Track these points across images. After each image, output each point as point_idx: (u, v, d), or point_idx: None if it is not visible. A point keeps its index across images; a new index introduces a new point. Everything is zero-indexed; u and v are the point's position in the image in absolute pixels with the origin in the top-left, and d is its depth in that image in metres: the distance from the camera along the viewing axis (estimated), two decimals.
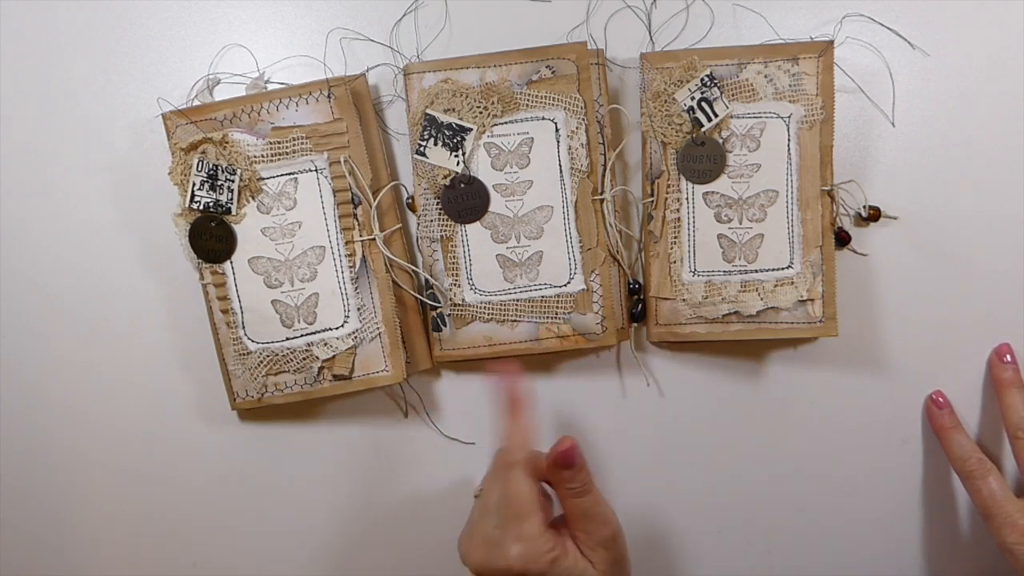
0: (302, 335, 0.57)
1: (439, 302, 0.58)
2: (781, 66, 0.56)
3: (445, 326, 0.59)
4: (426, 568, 0.63)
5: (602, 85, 0.57)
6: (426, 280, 0.59)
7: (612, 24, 0.59)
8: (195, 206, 0.56)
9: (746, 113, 0.56)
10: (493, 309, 0.58)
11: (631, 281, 0.59)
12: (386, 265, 0.58)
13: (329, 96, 0.56)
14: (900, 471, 0.62)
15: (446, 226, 0.58)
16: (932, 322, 0.60)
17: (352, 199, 0.57)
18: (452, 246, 0.58)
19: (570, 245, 0.57)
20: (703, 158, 0.57)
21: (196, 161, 0.56)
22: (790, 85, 0.56)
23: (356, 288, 0.57)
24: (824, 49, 0.56)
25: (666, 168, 0.58)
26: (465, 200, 0.57)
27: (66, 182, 0.61)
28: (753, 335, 0.57)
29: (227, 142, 0.56)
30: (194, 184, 0.56)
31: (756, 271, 0.57)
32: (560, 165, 0.57)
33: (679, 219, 0.58)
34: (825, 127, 0.56)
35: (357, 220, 0.57)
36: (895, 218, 0.59)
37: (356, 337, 0.57)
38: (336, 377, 0.58)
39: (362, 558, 0.63)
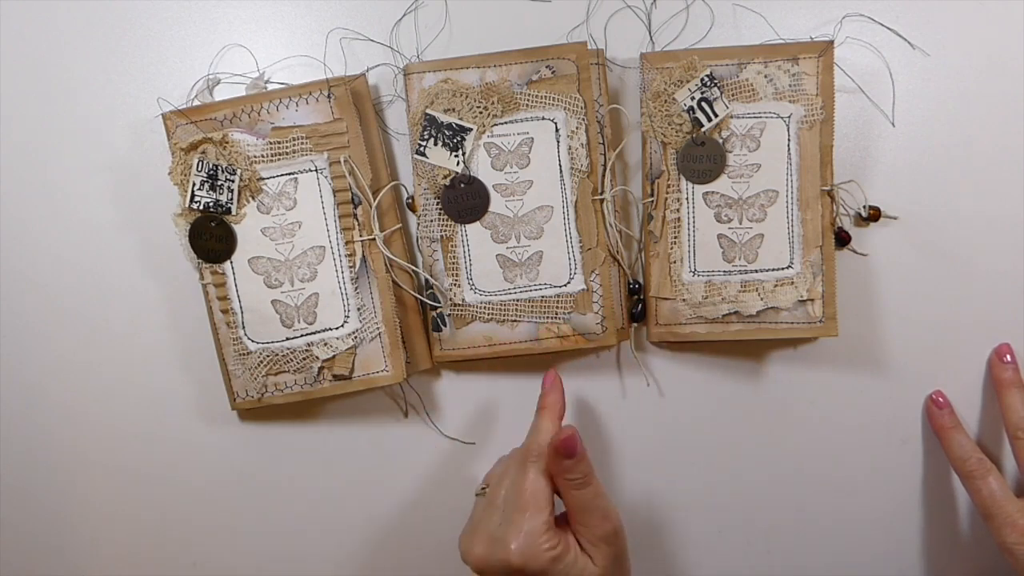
0: (302, 335, 0.57)
1: (439, 302, 0.58)
2: (781, 66, 0.56)
3: (445, 326, 0.59)
4: (426, 568, 0.63)
5: (602, 85, 0.57)
6: (426, 280, 0.59)
7: (612, 24, 0.59)
8: (195, 206, 0.56)
9: (746, 113, 0.56)
10: (493, 309, 0.58)
11: (631, 281, 0.59)
12: (386, 265, 0.58)
13: (329, 96, 0.56)
14: (900, 471, 0.62)
15: (446, 226, 0.58)
16: (932, 322, 0.60)
17: (352, 199, 0.57)
18: (452, 246, 0.58)
19: (570, 245, 0.57)
20: (703, 158, 0.57)
21: (196, 161, 0.56)
22: (790, 85, 0.56)
23: (356, 288, 0.57)
24: (824, 49, 0.56)
25: (666, 168, 0.58)
26: (465, 200, 0.57)
27: (66, 182, 0.61)
28: (753, 335, 0.57)
29: (227, 142, 0.56)
30: (194, 184, 0.56)
31: (756, 271, 0.57)
32: (560, 165, 0.57)
33: (679, 219, 0.58)
34: (825, 127, 0.56)
35: (357, 220, 0.57)
36: (895, 218, 0.59)
37: (356, 337, 0.57)
38: (336, 377, 0.58)
39: (362, 558, 0.63)
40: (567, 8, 0.59)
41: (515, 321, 0.58)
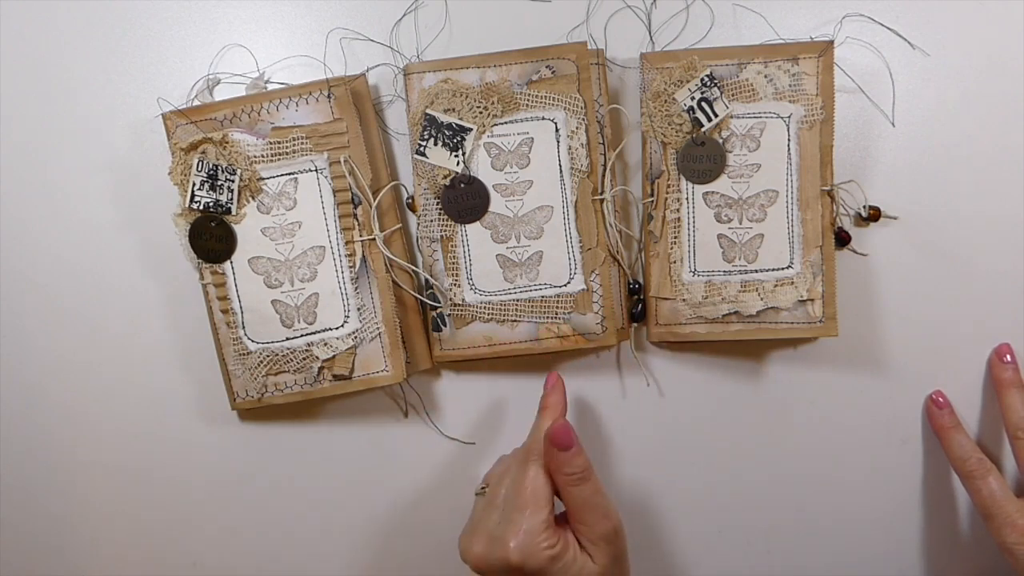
0: (302, 335, 0.57)
1: (439, 302, 0.58)
2: (781, 66, 0.56)
3: (445, 326, 0.59)
4: (426, 568, 0.63)
5: (602, 85, 0.57)
6: (426, 280, 0.59)
7: (612, 24, 0.59)
8: (195, 206, 0.56)
9: (746, 113, 0.56)
10: (493, 309, 0.58)
11: (631, 281, 0.59)
12: (386, 265, 0.58)
13: (329, 96, 0.56)
14: (900, 471, 0.62)
15: (446, 226, 0.58)
16: (932, 322, 0.60)
17: (352, 199, 0.57)
18: (452, 246, 0.58)
19: (570, 245, 0.57)
20: (703, 158, 0.57)
21: (196, 161, 0.56)
22: (790, 85, 0.56)
23: (356, 288, 0.57)
24: (824, 49, 0.56)
25: (666, 168, 0.58)
26: (465, 200, 0.57)
27: (66, 182, 0.61)
28: (753, 335, 0.57)
29: (227, 142, 0.56)
30: (194, 184, 0.56)
31: (756, 271, 0.57)
32: (560, 165, 0.57)
33: (679, 219, 0.58)
34: (825, 127, 0.56)
35: (357, 220, 0.57)
36: (895, 218, 0.59)
37: (356, 337, 0.57)
38: (336, 377, 0.58)
39: (362, 558, 0.63)
40: (567, 8, 0.59)
41: (515, 321, 0.58)
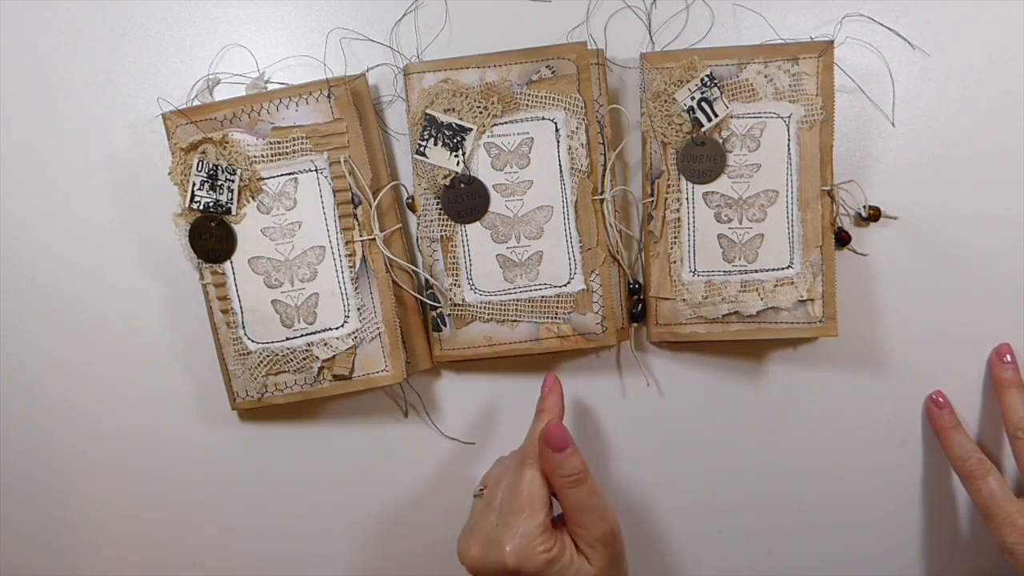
0: (302, 335, 0.57)
1: (439, 302, 0.58)
2: (781, 66, 0.56)
3: (445, 326, 0.59)
4: (426, 568, 0.63)
5: (602, 85, 0.57)
6: (426, 280, 0.59)
7: (612, 24, 0.59)
8: (195, 206, 0.56)
9: (746, 113, 0.56)
10: (493, 309, 0.58)
11: (631, 281, 0.59)
12: (386, 265, 0.58)
13: (329, 96, 0.56)
14: (900, 471, 0.62)
15: (446, 226, 0.58)
16: (932, 322, 0.60)
17: (352, 199, 0.57)
18: (452, 246, 0.58)
19: (570, 245, 0.57)
20: (703, 158, 0.57)
21: (196, 161, 0.56)
22: (790, 85, 0.56)
23: (356, 288, 0.57)
24: (824, 49, 0.56)
25: (666, 168, 0.58)
26: (465, 200, 0.57)
27: (66, 182, 0.61)
28: (753, 335, 0.57)
29: (227, 142, 0.56)
30: (194, 184, 0.56)
31: (756, 271, 0.57)
32: (560, 165, 0.57)
33: (679, 219, 0.58)
34: (825, 127, 0.56)
35: (357, 220, 0.57)
36: (895, 218, 0.59)
37: (356, 337, 0.57)
38: (336, 377, 0.58)
39: (362, 558, 0.63)
40: (567, 8, 0.59)
41: (515, 321, 0.58)
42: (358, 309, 0.57)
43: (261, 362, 0.58)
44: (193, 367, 0.62)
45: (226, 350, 0.58)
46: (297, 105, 0.56)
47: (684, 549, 0.63)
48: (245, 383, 0.58)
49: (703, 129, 0.56)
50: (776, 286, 0.57)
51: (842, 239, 0.58)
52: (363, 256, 0.57)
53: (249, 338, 0.58)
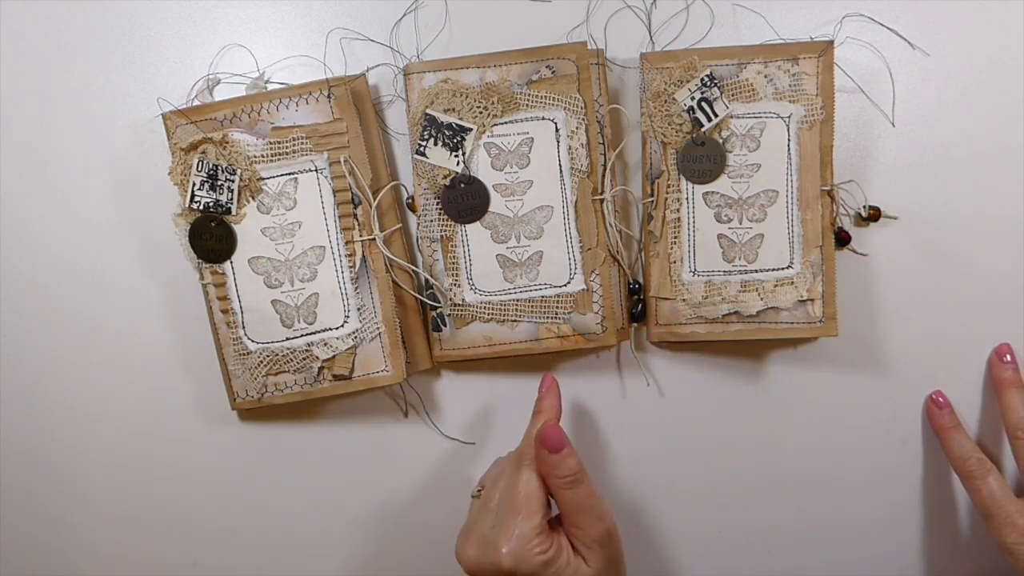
0: (302, 335, 0.57)
1: (439, 302, 0.58)
2: (781, 66, 0.56)
3: (445, 326, 0.59)
4: (425, 568, 0.63)
5: (602, 85, 0.57)
6: (426, 280, 0.59)
7: (612, 24, 0.59)
8: (195, 206, 0.56)
9: (746, 113, 0.56)
10: (493, 309, 0.58)
11: (631, 281, 0.59)
12: (386, 265, 0.58)
13: (329, 96, 0.56)
14: (900, 471, 0.62)
15: (446, 226, 0.58)
16: (932, 322, 0.60)
17: (352, 199, 0.57)
18: (452, 246, 0.58)
19: (570, 245, 0.57)
20: (703, 158, 0.57)
21: (196, 161, 0.56)
22: (790, 85, 0.56)
23: (356, 288, 0.57)
24: (824, 49, 0.56)
25: (666, 168, 0.58)
26: (465, 200, 0.57)
27: (66, 182, 0.61)
28: (753, 335, 0.57)
29: (227, 142, 0.56)
30: (194, 184, 0.56)
31: (756, 271, 0.57)
32: (560, 165, 0.57)
33: (679, 219, 0.58)
34: (825, 127, 0.56)
35: (357, 220, 0.57)
36: (895, 218, 0.59)
37: (356, 337, 0.57)
38: (336, 377, 0.58)
39: (362, 558, 0.63)
40: (567, 8, 0.59)
41: (515, 321, 0.58)
42: (358, 309, 0.57)
43: (261, 362, 0.58)
44: (193, 367, 0.62)
45: (226, 350, 0.58)
46: (297, 105, 0.56)
47: (684, 549, 0.63)
48: (245, 383, 0.58)
49: (703, 129, 0.56)
50: (776, 286, 0.57)
51: (842, 239, 0.58)
52: (363, 256, 0.57)
53: (249, 338, 0.58)
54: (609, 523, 0.51)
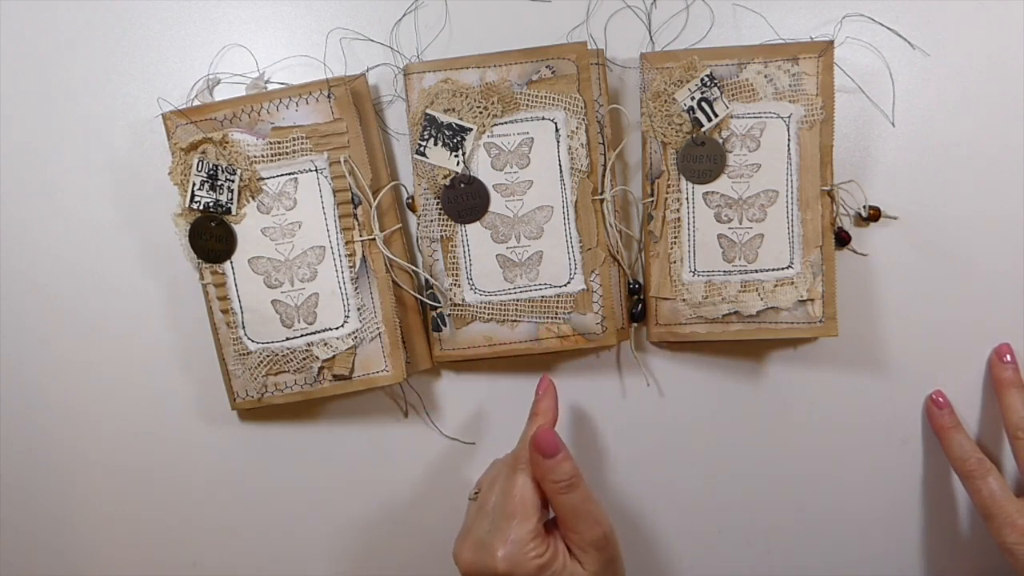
0: (302, 335, 0.57)
1: (439, 302, 0.58)
2: (781, 66, 0.56)
3: (445, 326, 0.59)
4: (425, 568, 0.63)
5: (602, 85, 0.57)
6: (426, 280, 0.59)
7: (612, 24, 0.59)
8: (195, 206, 0.56)
9: (746, 113, 0.56)
10: (493, 309, 0.58)
11: (631, 281, 0.59)
12: (386, 265, 0.58)
13: (329, 96, 0.56)
14: (900, 471, 0.62)
15: (446, 226, 0.58)
16: (932, 322, 0.60)
17: (352, 199, 0.57)
18: (452, 246, 0.58)
19: (570, 245, 0.57)
20: (703, 158, 0.57)
21: (196, 161, 0.56)
22: (790, 85, 0.56)
23: (356, 288, 0.57)
24: (824, 49, 0.56)
25: (666, 168, 0.58)
26: (465, 200, 0.57)
27: (66, 182, 0.61)
28: (753, 335, 0.57)
29: (227, 142, 0.56)
30: (194, 184, 0.56)
31: (756, 271, 0.57)
32: (560, 165, 0.57)
33: (679, 219, 0.58)
34: (825, 127, 0.56)
35: (357, 220, 0.57)
36: (895, 218, 0.59)
37: (356, 337, 0.57)
38: (336, 377, 0.58)
39: (361, 558, 0.63)
40: (567, 8, 0.59)
41: (515, 321, 0.58)
42: (358, 309, 0.57)
43: (261, 362, 0.58)
44: (193, 367, 0.62)
45: (226, 350, 0.58)
46: (297, 105, 0.56)
47: (684, 549, 0.63)
48: (245, 383, 0.58)
49: (703, 129, 0.56)
50: (776, 286, 0.57)
51: (842, 239, 0.58)
52: (363, 256, 0.57)
53: (249, 338, 0.58)
54: (606, 526, 0.51)
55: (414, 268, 0.59)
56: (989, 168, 0.59)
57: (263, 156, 0.56)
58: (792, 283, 0.57)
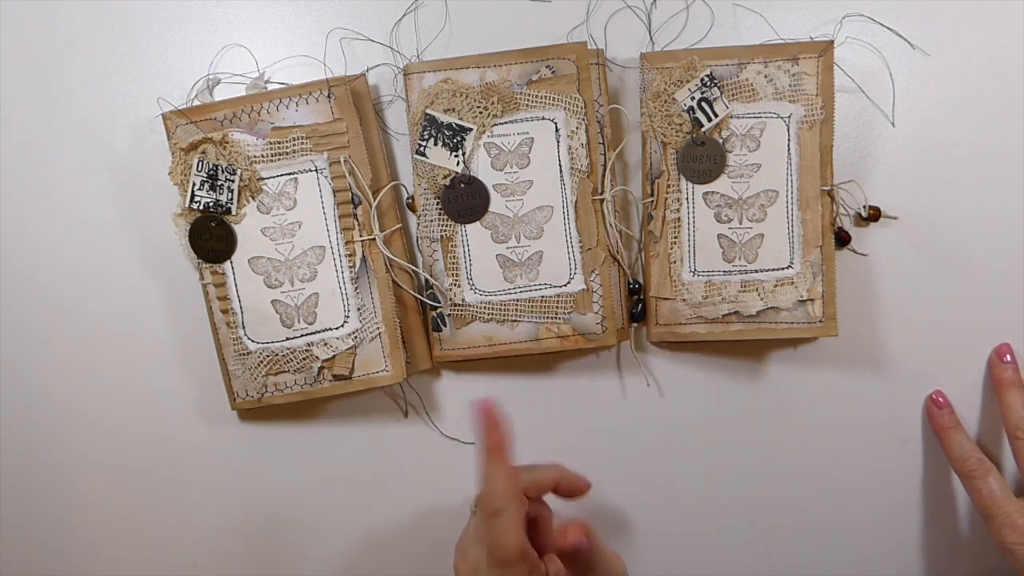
0: (302, 335, 0.57)
1: (439, 302, 0.58)
2: (781, 66, 0.56)
3: (445, 326, 0.59)
4: (425, 568, 0.63)
5: (602, 85, 0.57)
6: (426, 280, 0.59)
7: (612, 24, 0.59)
8: (195, 206, 0.56)
9: (746, 113, 0.56)
10: (493, 309, 0.58)
11: (631, 281, 0.59)
12: (386, 265, 0.58)
13: (329, 96, 0.56)
14: (900, 471, 0.62)
15: (446, 226, 0.58)
16: (932, 322, 0.60)
17: (352, 199, 0.57)
18: (452, 246, 0.58)
19: (570, 245, 0.57)
20: (703, 158, 0.57)
21: (196, 161, 0.56)
22: (790, 85, 0.56)
23: (356, 288, 0.57)
24: (824, 49, 0.56)
25: (666, 168, 0.58)
26: (465, 200, 0.57)
27: (66, 182, 0.61)
28: (753, 335, 0.57)
29: (227, 142, 0.56)
30: (194, 184, 0.56)
31: (756, 271, 0.57)
32: (560, 165, 0.57)
33: (679, 219, 0.58)
34: (825, 127, 0.56)
35: (357, 220, 0.57)
36: (895, 218, 0.59)
37: (356, 337, 0.57)
38: (336, 377, 0.58)
39: (362, 558, 0.63)
40: (567, 8, 0.59)
41: (515, 321, 0.58)
42: (358, 309, 0.57)
43: (261, 362, 0.58)
44: (193, 367, 0.62)
45: (226, 350, 0.58)
46: (297, 105, 0.56)
47: (684, 549, 0.63)
48: (245, 383, 0.58)
49: (703, 129, 0.56)
50: (776, 286, 0.57)
51: (842, 239, 0.58)
52: (363, 256, 0.57)
53: (249, 338, 0.58)
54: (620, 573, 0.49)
55: (414, 268, 0.59)
56: (989, 168, 0.59)
57: (263, 156, 0.56)
58: (792, 283, 0.57)
